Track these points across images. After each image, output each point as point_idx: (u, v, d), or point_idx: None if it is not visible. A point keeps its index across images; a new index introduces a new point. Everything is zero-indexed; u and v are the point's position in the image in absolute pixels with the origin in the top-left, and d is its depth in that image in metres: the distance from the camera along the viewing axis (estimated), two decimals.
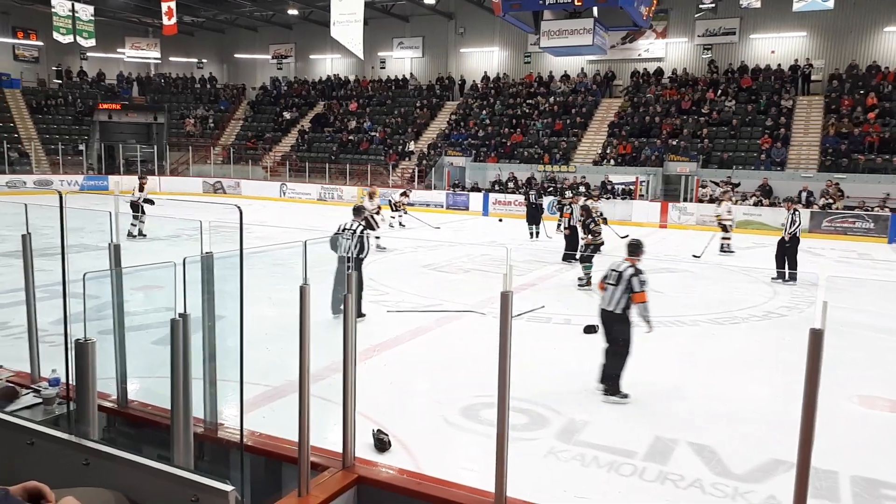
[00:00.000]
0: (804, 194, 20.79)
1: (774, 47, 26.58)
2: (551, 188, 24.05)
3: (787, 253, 12.14)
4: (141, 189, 15.17)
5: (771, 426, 5.44)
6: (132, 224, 14.62)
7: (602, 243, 11.63)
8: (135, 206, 14.80)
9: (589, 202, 13.38)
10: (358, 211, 8.84)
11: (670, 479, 4.51)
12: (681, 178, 23.39)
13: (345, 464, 2.62)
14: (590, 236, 11.53)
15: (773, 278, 11.89)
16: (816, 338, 2.01)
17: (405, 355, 7.23)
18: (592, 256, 11.02)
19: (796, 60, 25.72)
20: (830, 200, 20.16)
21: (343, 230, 8.45)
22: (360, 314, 8.36)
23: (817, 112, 24.32)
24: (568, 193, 18.17)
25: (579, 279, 11.11)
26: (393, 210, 19.33)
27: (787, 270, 11.88)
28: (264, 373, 5.86)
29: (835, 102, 23.83)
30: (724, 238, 15.73)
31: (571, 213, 13.28)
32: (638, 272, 6.09)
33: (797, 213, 12.30)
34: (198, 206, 20.92)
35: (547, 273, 12.42)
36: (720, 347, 7.90)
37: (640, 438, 5.10)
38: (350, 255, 8.23)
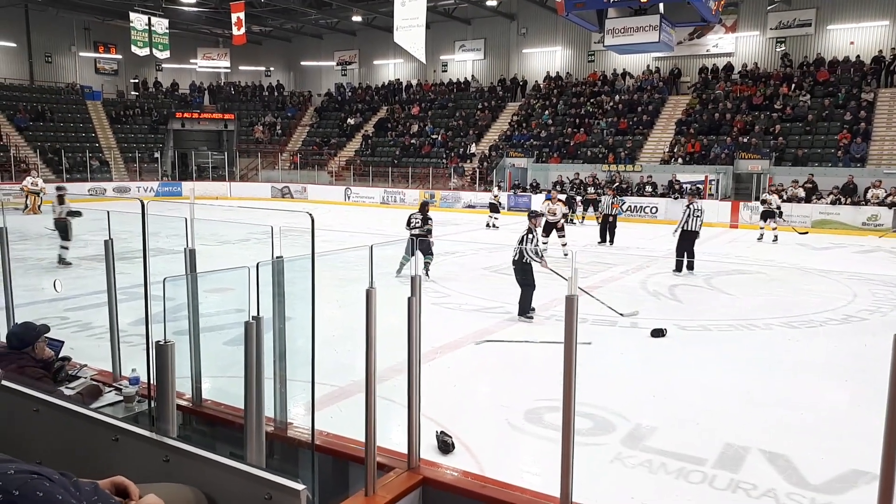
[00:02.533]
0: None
1: (854, 38, 25.32)
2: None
3: (686, 244, 12.43)
4: (61, 202, 12.29)
5: (850, 435, 5.19)
6: (62, 247, 11.98)
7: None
8: (60, 226, 12.07)
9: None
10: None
11: (742, 488, 4.37)
12: (752, 176, 22.61)
13: (410, 465, 2.65)
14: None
15: (673, 270, 12.36)
16: None
17: (468, 357, 7.24)
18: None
19: (880, 51, 24.42)
20: (772, 197, 18.98)
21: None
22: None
23: None
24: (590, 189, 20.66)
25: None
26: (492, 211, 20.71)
27: (692, 260, 12.52)
28: (330, 373, 5.97)
29: None
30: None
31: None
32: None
33: (698, 206, 12.65)
34: (266, 210, 21.55)
35: (612, 275, 12.22)
36: (795, 352, 7.59)
37: (710, 445, 4.95)
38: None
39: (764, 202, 17.93)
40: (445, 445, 4.73)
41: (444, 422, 5.05)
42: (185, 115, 35.34)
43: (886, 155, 21.76)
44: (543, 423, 5.31)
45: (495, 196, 21.36)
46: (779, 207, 17.94)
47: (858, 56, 24.73)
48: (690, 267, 12.35)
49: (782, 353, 7.53)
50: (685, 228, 12.46)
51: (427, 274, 11.01)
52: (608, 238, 16.49)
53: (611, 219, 16.57)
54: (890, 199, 19.43)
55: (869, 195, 19.83)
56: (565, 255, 12.84)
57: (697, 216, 12.40)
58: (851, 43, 25.29)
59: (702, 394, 6.17)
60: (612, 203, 16.70)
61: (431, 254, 11.14)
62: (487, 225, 20.17)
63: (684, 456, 4.79)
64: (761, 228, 17.96)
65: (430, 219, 11.28)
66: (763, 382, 6.52)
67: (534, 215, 9.50)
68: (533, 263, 8.78)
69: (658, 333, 7.65)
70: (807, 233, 18.58)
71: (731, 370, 6.89)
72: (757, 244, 17.05)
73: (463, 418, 5.40)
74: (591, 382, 6.00)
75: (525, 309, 8.69)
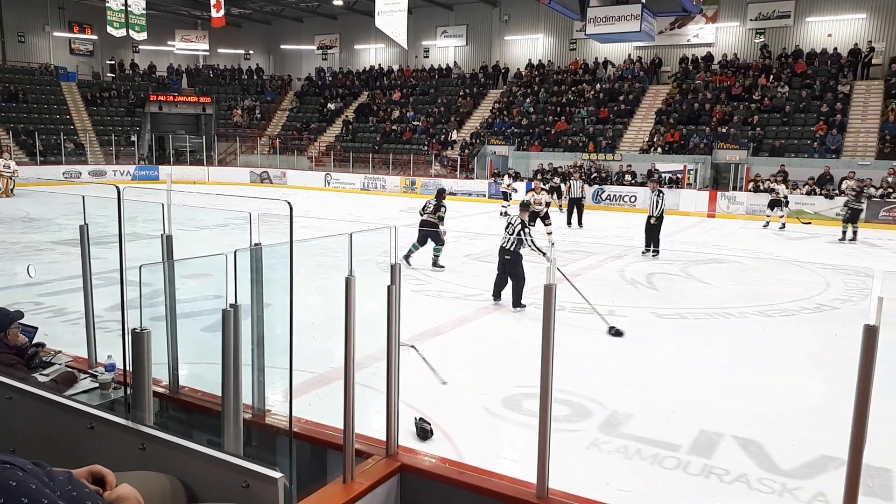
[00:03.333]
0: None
1: (831, 30, 25.60)
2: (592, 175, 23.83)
3: (652, 231, 12.96)
4: None
5: (821, 422, 5.30)
6: None
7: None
8: None
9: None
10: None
11: (715, 473, 4.45)
12: (730, 166, 22.83)
13: (388, 451, 2.66)
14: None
15: (642, 252, 13.02)
16: (871, 334, 1.96)
17: (447, 345, 7.26)
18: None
19: (856, 44, 24.71)
20: (890, 190, 19.41)
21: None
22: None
23: (876, 97, 23.37)
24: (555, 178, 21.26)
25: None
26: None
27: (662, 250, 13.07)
28: (309, 360, 5.96)
29: None
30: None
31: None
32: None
33: (661, 194, 13.13)
34: (244, 198, 21.33)
35: (590, 264, 12.30)
36: (769, 340, 7.72)
37: (685, 432, 5.03)
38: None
39: (771, 191, 18.29)
40: (424, 432, 4.75)
41: (422, 409, 5.08)
42: (163, 97, 34.79)
43: (861, 146, 22.09)
44: (521, 409, 5.36)
45: (508, 185, 21.12)
46: (786, 196, 18.38)
47: (836, 48, 25.01)
48: (657, 253, 12.90)
49: (757, 342, 7.66)
50: (659, 216, 12.95)
51: (438, 264, 11.11)
52: (578, 221, 17.64)
53: (581, 202, 17.91)
54: (867, 189, 19.71)
55: (843, 186, 20.10)
56: (552, 244, 12.88)
57: (660, 204, 12.97)
58: (829, 35, 25.56)
59: (677, 381, 6.25)
60: (581, 187, 18.03)
61: (442, 243, 11.15)
62: (501, 214, 19.81)
63: (659, 442, 4.86)
64: (767, 217, 18.45)
65: (444, 206, 11.31)
66: (737, 370, 6.63)
67: (526, 206, 9.45)
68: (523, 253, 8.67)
69: (615, 332, 7.63)
70: (810, 222, 18.95)
71: (706, 358, 6.99)
72: (734, 234, 17.25)
73: (442, 405, 5.43)
74: (568, 370, 6.05)
75: (519, 299, 8.59)
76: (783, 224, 18.14)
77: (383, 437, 2.71)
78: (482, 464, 2.83)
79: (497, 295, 8.83)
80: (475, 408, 5.46)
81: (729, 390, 6.06)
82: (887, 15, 24.64)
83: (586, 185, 19.89)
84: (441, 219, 11.17)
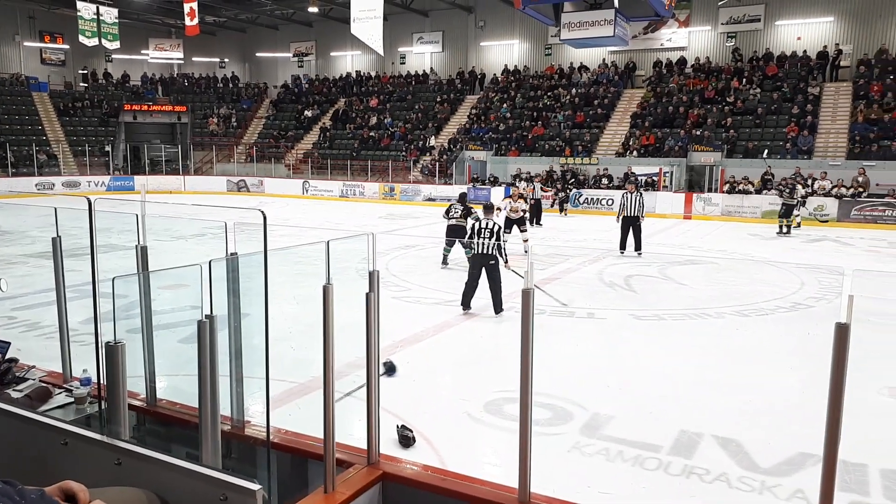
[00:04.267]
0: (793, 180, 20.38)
1: (800, 33, 26.08)
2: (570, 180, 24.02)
3: (634, 229, 13.36)
4: None
5: (798, 419, 5.37)
6: None
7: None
8: None
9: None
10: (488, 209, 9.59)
11: (696, 473, 4.49)
12: (705, 168, 23.11)
13: (370, 460, 2.65)
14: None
15: (621, 252, 13.44)
16: (842, 332, 1.99)
17: (428, 351, 7.26)
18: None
19: (824, 46, 25.20)
20: (861, 189, 19.77)
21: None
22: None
23: (845, 99, 23.84)
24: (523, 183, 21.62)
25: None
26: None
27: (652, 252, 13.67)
28: (289, 369, 5.92)
29: (863, 88, 23.34)
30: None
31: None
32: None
33: (641, 195, 13.64)
34: (222, 204, 21.17)
35: (569, 267, 12.37)
36: (746, 339, 7.81)
37: (665, 432, 5.07)
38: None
39: (790, 194, 17.41)
40: (406, 439, 4.74)
41: (404, 416, 5.06)
42: (137, 107, 34.41)
43: (832, 147, 22.49)
44: (503, 414, 5.37)
45: (525, 189, 21.14)
46: (803, 197, 18.61)
47: (805, 51, 25.48)
48: (639, 249, 13.34)
49: (734, 341, 7.75)
50: (639, 216, 13.35)
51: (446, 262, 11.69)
52: (536, 221, 19.04)
53: (538, 203, 19.76)
54: (836, 190, 20.09)
55: (816, 186, 20.46)
56: (526, 251, 12.91)
57: (639, 203, 13.42)
58: (798, 38, 26.03)
59: (657, 381, 6.30)
60: (542, 188, 20.27)
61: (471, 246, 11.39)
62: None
63: (640, 443, 4.89)
64: (782, 222, 17.59)
65: (472, 210, 11.51)
66: (715, 369, 6.70)
67: (489, 209, 9.26)
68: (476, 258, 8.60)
69: (389, 369, 6.25)
70: (827, 221, 19.22)
71: (685, 358, 7.05)
72: (709, 235, 17.45)
73: (423, 412, 5.42)
74: (549, 373, 6.08)
75: (501, 304, 8.48)
76: (799, 223, 18.29)
77: (364, 446, 2.70)
78: (465, 470, 2.83)
79: (467, 304, 8.64)
80: (457, 413, 5.46)
81: (708, 390, 6.12)
82: (854, 18, 25.16)
83: (545, 188, 21.81)
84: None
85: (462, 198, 12.07)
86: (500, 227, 8.84)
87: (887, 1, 24.39)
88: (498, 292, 8.49)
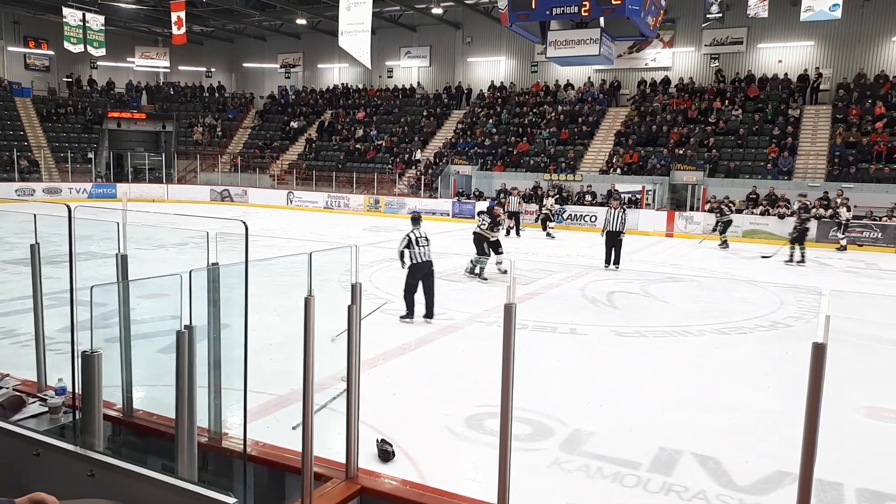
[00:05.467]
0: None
1: (782, 56, 26.55)
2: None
3: (615, 244, 13.85)
4: None
5: (777, 438, 5.41)
6: None
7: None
8: None
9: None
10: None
11: (674, 491, 4.50)
12: (687, 186, 23.36)
13: (348, 474, 2.63)
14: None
15: (605, 267, 13.89)
16: (819, 352, 2.02)
17: (410, 364, 7.23)
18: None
19: (805, 70, 25.69)
20: (841, 210, 20.06)
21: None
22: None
23: (825, 121, 24.26)
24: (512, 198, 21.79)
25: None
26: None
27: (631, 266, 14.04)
28: (269, 381, 5.87)
29: (842, 112, 23.76)
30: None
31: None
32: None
33: (623, 210, 14.13)
34: (204, 213, 21.03)
35: (552, 282, 12.41)
36: (726, 358, 7.87)
37: (645, 449, 5.08)
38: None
39: (804, 219, 16.40)
40: (385, 454, 4.70)
41: (384, 429, 5.03)
42: (121, 114, 34.19)
43: (811, 168, 22.84)
44: (484, 429, 5.35)
45: (550, 206, 21.57)
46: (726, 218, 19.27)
47: (786, 74, 25.93)
48: (617, 263, 13.86)
49: (714, 359, 7.81)
50: (621, 230, 13.86)
51: (475, 273, 12.18)
52: (516, 231, 20.37)
53: (519, 215, 21.01)
54: (815, 210, 20.37)
55: (795, 206, 20.71)
56: (505, 271, 12.82)
57: (622, 219, 13.92)
58: (780, 61, 26.50)
59: (637, 398, 6.32)
60: (519, 202, 21.30)
61: (487, 255, 12.28)
62: (548, 235, 20.76)
63: (620, 460, 4.90)
64: (793, 250, 16.01)
65: (498, 223, 11.91)
66: (696, 387, 6.74)
67: (416, 220, 9.28)
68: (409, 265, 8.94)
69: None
70: (845, 248, 18.82)
71: (665, 375, 7.09)
72: (691, 253, 17.60)
73: (404, 426, 5.39)
74: (531, 388, 6.08)
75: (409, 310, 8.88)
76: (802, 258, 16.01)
77: (343, 460, 2.68)
78: (444, 485, 2.82)
79: (412, 313, 8.86)
80: (438, 428, 5.43)
81: (687, 407, 6.15)
82: (833, 43, 25.68)
83: (523, 202, 22.75)
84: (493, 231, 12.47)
85: (490, 210, 12.78)
86: (427, 240, 9.02)
87: (866, 27, 24.95)
88: (433, 299, 8.91)
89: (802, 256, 15.94)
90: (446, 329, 8.62)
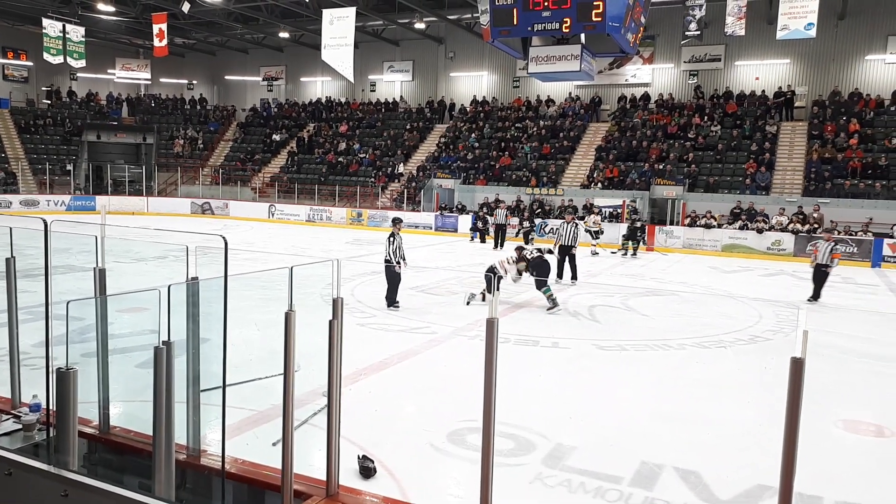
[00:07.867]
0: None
1: (759, 74, 27.04)
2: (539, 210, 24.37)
3: (569, 257, 13.98)
4: None
5: (757, 451, 5.44)
6: None
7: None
8: None
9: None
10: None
11: None
12: (667, 201, 23.60)
13: (328, 492, 2.61)
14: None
15: (557, 280, 13.67)
16: (797, 367, 2.04)
17: (391, 379, 7.19)
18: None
19: (780, 87, 26.18)
20: (816, 225, 20.39)
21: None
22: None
23: (801, 137, 24.68)
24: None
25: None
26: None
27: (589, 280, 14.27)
28: (249, 397, 5.80)
29: (818, 128, 24.20)
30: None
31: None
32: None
33: (576, 225, 14.37)
34: (184, 226, 20.84)
35: (535, 296, 12.42)
36: (706, 371, 7.92)
37: (627, 463, 5.09)
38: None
39: (632, 222, 19.75)
40: (367, 470, 4.66)
41: (365, 445, 4.99)
42: (101, 126, 33.87)
43: (788, 184, 23.20)
44: (466, 444, 5.33)
45: (595, 222, 21.09)
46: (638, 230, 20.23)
47: (763, 91, 26.39)
48: (575, 277, 13.97)
49: (694, 372, 7.85)
50: (573, 244, 14.02)
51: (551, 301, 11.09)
52: (500, 244, 20.58)
53: (505, 228, 21.30)
54: (792, 225, 20.67)
55: (773, 221, 21.03)
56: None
57: (575, 233, 14.10)
58: (756, 78, 26.99)
59: (619, 412, 6.33)
60: (506, 215, 21.66)
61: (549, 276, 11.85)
62: (593, 253, 20.04)
63: (602, 475, 4.90)
64: (626, 245, 20.06)
65: (526, 259, 11.39)
66: (677, 401, 6.77)
67: (397, 221, 10.86)
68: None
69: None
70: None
71: (646, 389, 7.11)
72: (671, 267, 17.75)
73: (385, 441, 5.35)
74: (513, 402, 6.07)
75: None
76: (635, 251, 19.83)
77: (324, 477, 2.65)
78: (426, 502, 2.80)
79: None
80: (420, 443, 5.40)
81: (669, 421, 6.17)
82: (809, 61, 26.21)
83: (511, 215, 22.93)
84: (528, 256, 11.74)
85: (527, 235, 13.53)
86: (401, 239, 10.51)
87: (840, 46, 25.50)
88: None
89: (635, 251, 19.68)
90: (428, 343, 8.60)
